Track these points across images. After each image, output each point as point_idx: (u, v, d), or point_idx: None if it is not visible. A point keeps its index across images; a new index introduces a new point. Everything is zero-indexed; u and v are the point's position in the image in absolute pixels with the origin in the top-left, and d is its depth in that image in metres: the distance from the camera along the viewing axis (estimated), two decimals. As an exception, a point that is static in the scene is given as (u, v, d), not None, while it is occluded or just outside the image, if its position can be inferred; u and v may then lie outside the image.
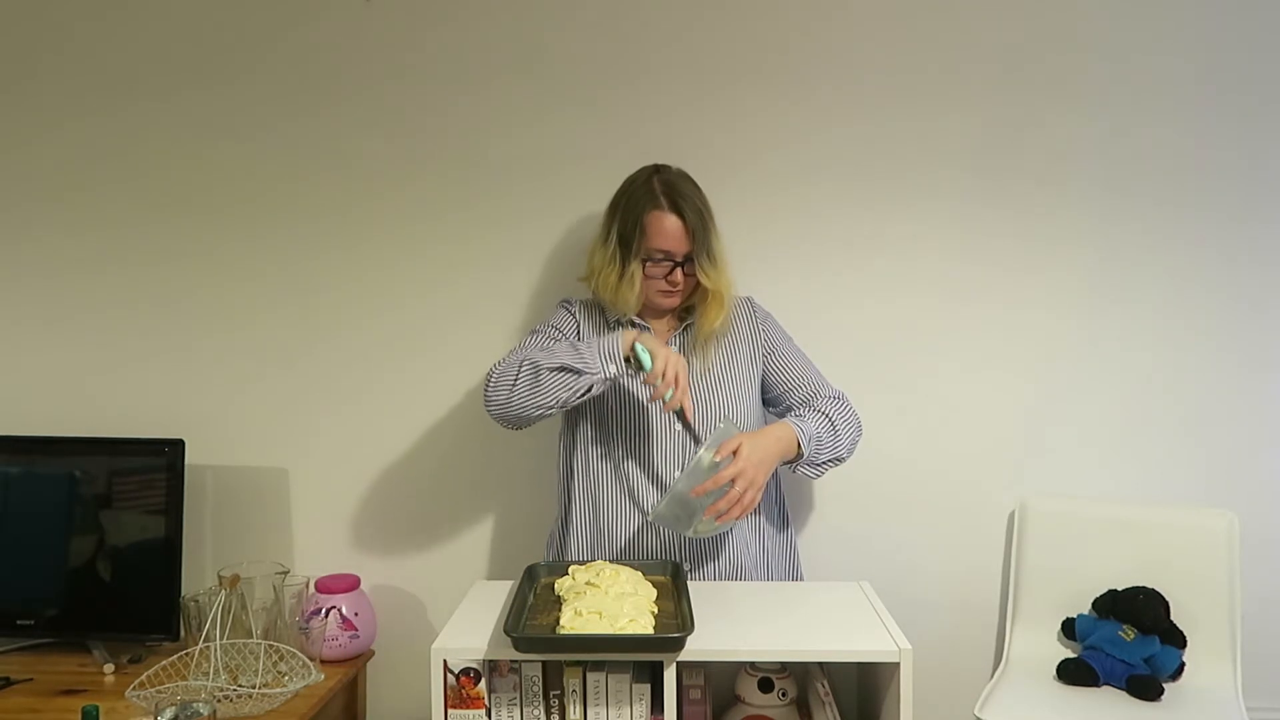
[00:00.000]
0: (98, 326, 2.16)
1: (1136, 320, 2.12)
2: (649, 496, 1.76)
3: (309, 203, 2.13)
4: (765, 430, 1.69)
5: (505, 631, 1.39)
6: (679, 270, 1.76)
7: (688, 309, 1.86)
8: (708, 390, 1.81)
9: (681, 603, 1.50)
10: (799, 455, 1.70)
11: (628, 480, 1.78)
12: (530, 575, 1.65)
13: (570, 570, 1.61)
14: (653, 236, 1.74)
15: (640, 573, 1.60)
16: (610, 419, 1.80)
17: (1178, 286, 2.12)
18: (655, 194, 1.75)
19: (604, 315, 1.87)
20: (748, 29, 2.09)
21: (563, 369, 1.62)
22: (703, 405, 1.79)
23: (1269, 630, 2.11)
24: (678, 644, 1.40)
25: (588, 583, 1.54)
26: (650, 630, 1.42)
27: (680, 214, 1.73)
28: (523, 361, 1.65)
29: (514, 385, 1.65)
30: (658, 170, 1.80)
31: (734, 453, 1.60)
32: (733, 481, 1.58)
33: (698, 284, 1.79)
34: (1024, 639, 2.08)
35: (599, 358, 1.62)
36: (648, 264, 1.76)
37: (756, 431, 1.68)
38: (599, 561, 1.63)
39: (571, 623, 1.42)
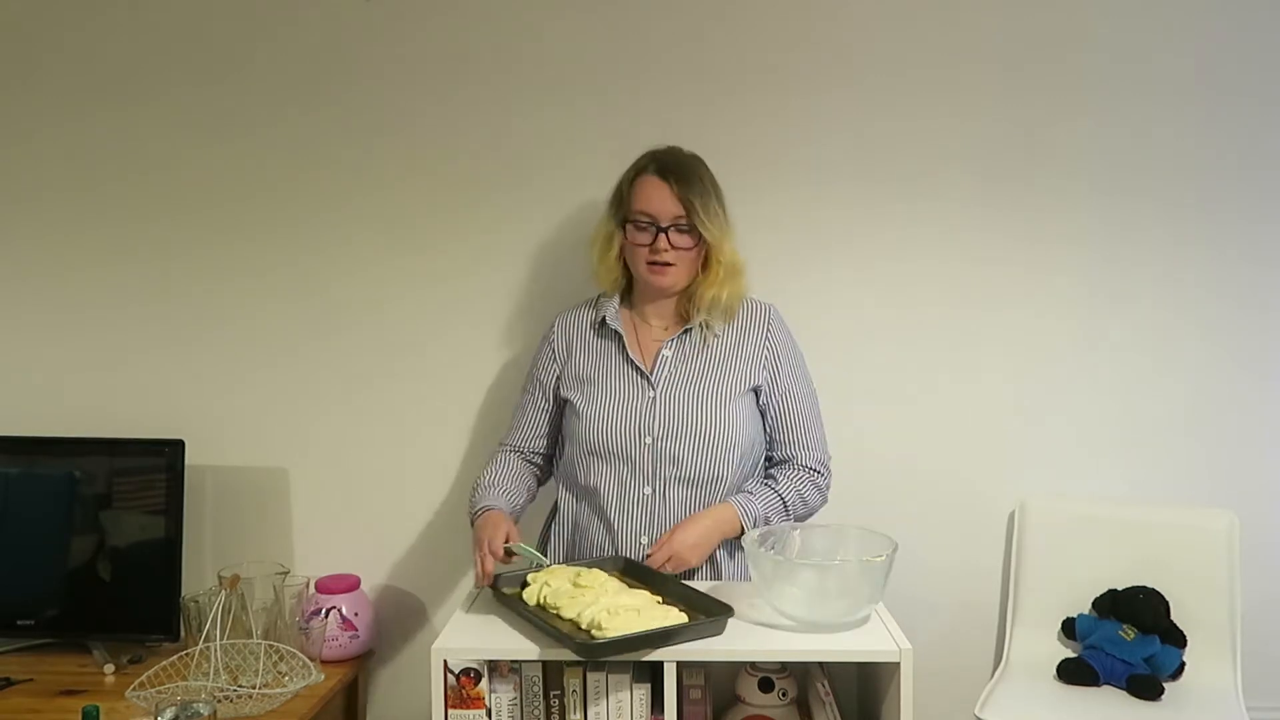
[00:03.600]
0: (97, 326, 2.16)
1: (1137, 320, 2.12)
2: (620, 516, 1.73)
3: (308, 201, 2.13)
4: (705, 514, 1.70)
5: (577, 645, 1.36)
6: (664, 236, 1.70)
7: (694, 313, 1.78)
8: (683, 385, 1.74)
9: (667, 584, 1.54)
10: (742, 531, 1.70)
11: (601, 499, 1.75)
12: (496, 591, 1.59)
13: (530, 579, 1.56)
14: (636, 198, 1.73)
15: (602, 571, 1.59)
16: (584, 439, 1.75)
17: (1178, 287, 2.12)
18: (647, 161, 1.76)
19: (592, 320, 1.83)
20: (755, 29, 2.09)
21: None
22: (675, 404, 1.73)
23: (1269, 630, 2.11)
24: (723, 623, 1.44)
25: (575, 584, 1.52)
26: (685, 618, 1.42)
27: (664, 177, 1.72)
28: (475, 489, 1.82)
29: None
30: (667, 149, 1.79)
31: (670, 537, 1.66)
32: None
33: (695, 272, 1.75)
34: (1024, 639, 2.08)
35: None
36: (629, 227, 1.74)
37: (697, 516, 1.70)
38: (554, 567, 1.60)
39: (610, 621, 1.38)
